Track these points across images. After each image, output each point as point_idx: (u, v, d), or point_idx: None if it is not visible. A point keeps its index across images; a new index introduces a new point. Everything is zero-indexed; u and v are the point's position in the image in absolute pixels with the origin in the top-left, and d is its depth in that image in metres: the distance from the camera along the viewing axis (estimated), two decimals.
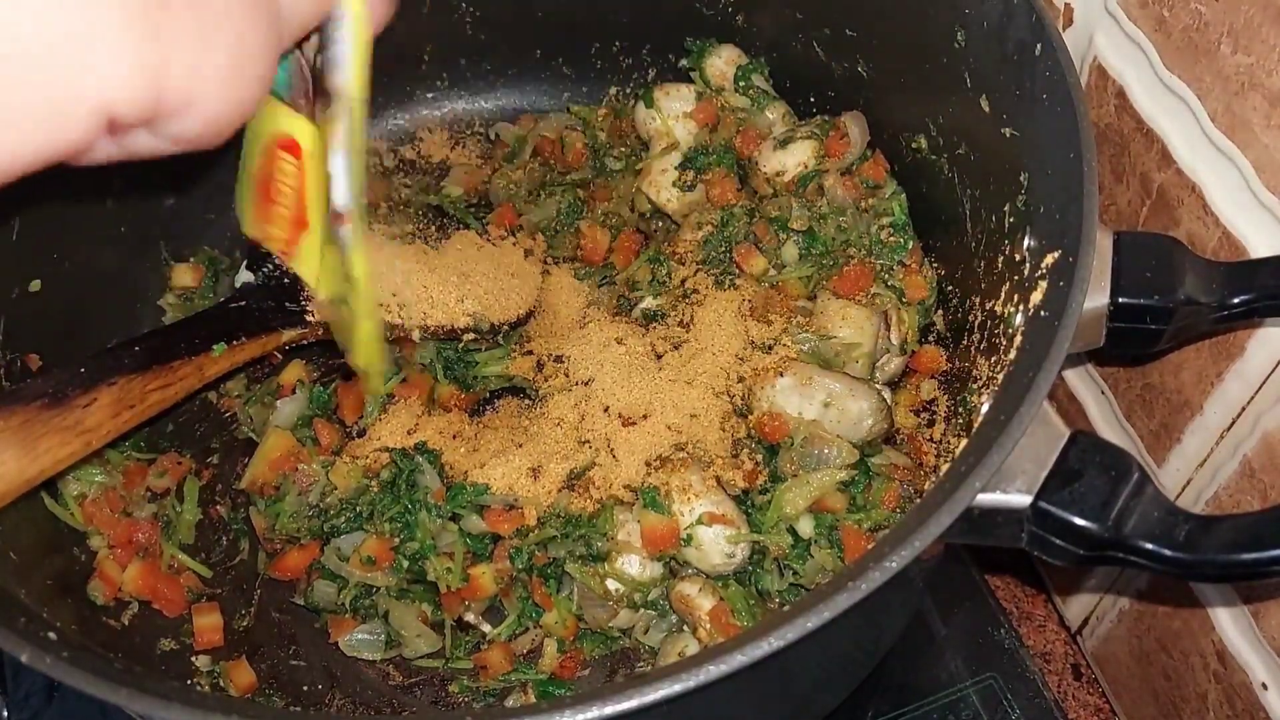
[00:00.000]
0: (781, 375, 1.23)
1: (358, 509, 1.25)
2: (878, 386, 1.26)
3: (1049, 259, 0.98)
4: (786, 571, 1.19)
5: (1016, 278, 1.06)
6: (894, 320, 1.32)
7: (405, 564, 1.23)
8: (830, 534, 1.17)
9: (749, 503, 1.21)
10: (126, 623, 1.23)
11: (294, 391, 1.38)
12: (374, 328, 0.94)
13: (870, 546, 1.11)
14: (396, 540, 1.23)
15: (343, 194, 0.85)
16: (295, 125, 0.89)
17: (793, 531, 1.18)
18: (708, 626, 1.15)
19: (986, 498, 0.88)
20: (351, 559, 1.24)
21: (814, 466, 1.19)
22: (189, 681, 1.22)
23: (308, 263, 0.98)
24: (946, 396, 1.29)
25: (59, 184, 1.30)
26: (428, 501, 1.24)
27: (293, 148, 0.90)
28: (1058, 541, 0.90)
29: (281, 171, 0.93)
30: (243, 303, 1.33)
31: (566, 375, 1.37)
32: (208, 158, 1.56)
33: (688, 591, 1.17)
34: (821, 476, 1.18)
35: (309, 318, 1.34)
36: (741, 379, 1.29)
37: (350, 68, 0.74)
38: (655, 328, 1.40)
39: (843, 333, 1.28)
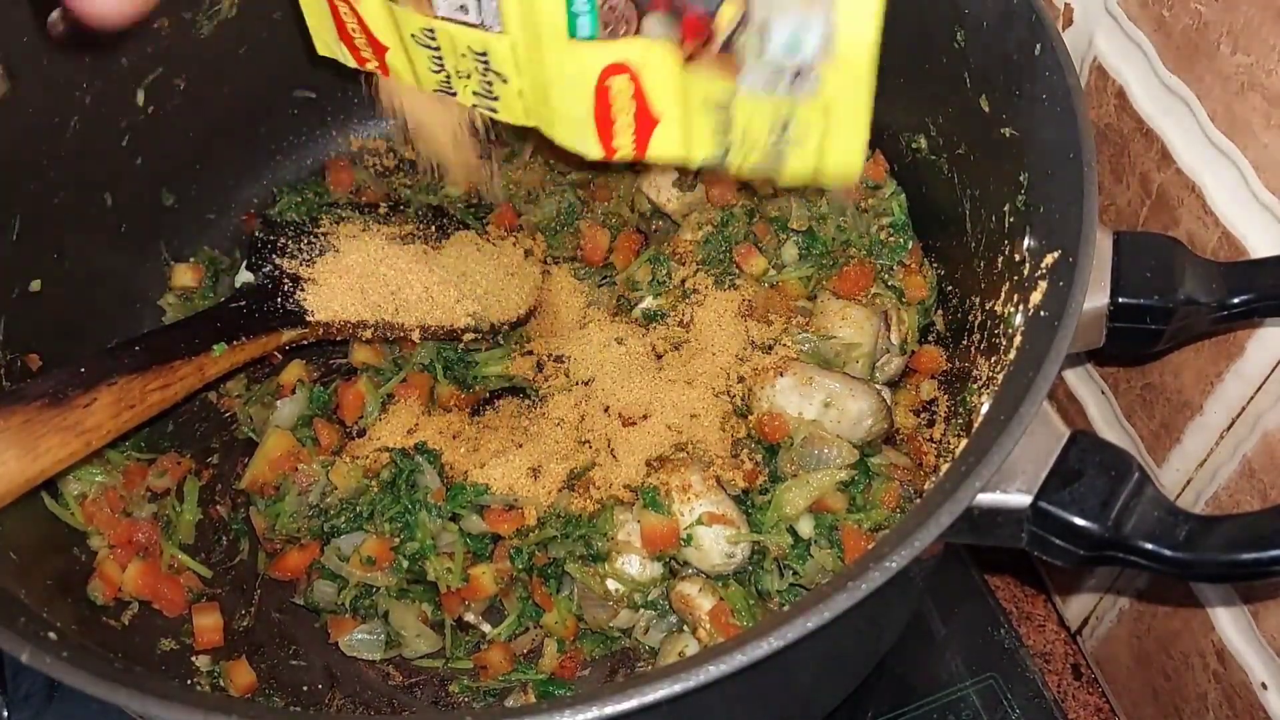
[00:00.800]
0: (781, 375, 1.23)
1: (358, 509, 1.25)
2: (878, 387, 1.26)
3: (1049, 259, 0.98)
4: (786, 572, 1.19)
5: (1016, 278, 1.06)
6: (894, 320, 1.32)
7: (405, 564, 1.23)
8: (830, 534, 1.17)
9: (749, 503, 1.21)
10: (126, 623, 1.23)
11: (294, 391, 1.38)
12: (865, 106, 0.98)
13: (870, 546, 1.11)
14: (396, 540, 1.23)
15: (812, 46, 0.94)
16: (617, 51, 1.00)
17: (793, 531, 1.18)
18: (708, 626, 1.15)
19: (986, 498, 0.88)
20: (351, 559, 1.24)
21: (814, 466, 1.19)
22: (189, 681, 1.22)
23: (669, 146, 1.07)
24: (946, 396, 1.30)
25: (59, 180, 1.31)
26: (428, 501, 1.24)
27: (619, 69, 1.01)
28: (1058, 541, 0.90)
29: (615, 92, 1.03)
30: (243, 303, 1.33)
31: (566, 375, 1.37)
32: (207, 155, 1.56)
33: (688, 591, 1.17)
34: (821, 476, 1.18)
35: (309, 318, 1.34)
36: (741, 379, 1.29)
37: None
38: (655, 328, 1.40)
39: (843, 333, 1.28)
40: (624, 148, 1.09)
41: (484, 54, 1.06)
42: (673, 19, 0.97)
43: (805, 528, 1.18)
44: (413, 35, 1.08)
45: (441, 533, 1.23)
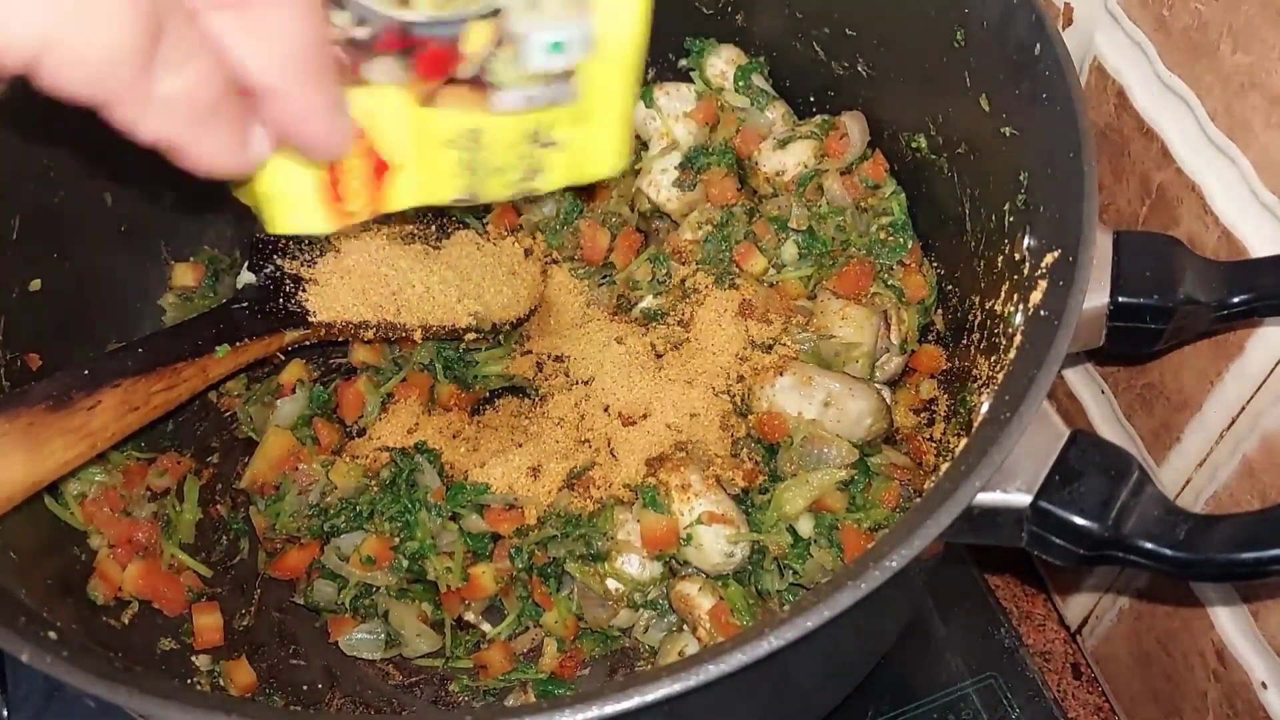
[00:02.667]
0: (781, 375, 1.23)
1: (358, 508, 1.25)
2: (877, 386, 1.26)
3: (1049, 258, 0.98)
4: (787, 571, 1.19)
5: (1016, 277, 1.06)
6: (894, 320, 1.32)
7: (405, 563, 1.23)
8: (830, 534, 1.17)
9: (749, 502, 1.21)
10: (126, 622, 1.23)
11: (294, 391, 1.38)
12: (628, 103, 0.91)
13: (870, 546, 1.11)
14: (396, 540, 1.23)
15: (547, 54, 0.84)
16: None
17: (792, 531, 1.18)
18: (707, 626, 1.15)
19: (986, 497, 0.88)
20: (351, 558, 1.24)
21: (814, 466, 1.19)
22: (189, 681, 1.22)
23: (408, 195, 0.94)
24: (946, 396, 1.29)
25: (59, 180, 1.31)
26: (428, 501, 1.24)
27: None
28: (1057, 541, 0.90)
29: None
30: (245, 304, 1.33)
31: (566, 375, 1.37)
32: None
33: (687, 591, 1.17)
34: (821, 476, 1.18)
35: (311, 319, 1.34)
36: (741, 378, 1.29)
37: None
38: (655, 327, 1.40)
39: (842, 332, 1.28)
40: (359, 209, 0.94)
41: (540, 129, 0.93)
42: (405, 60, 0.83)
43: (805, 527, 1.18)
44: (449, 141, 0.93)
45: (441, 532, 1.23)
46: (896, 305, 1.33)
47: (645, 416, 1.29)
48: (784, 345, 1.29)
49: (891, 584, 0.79)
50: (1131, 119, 1.14)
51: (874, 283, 1.34)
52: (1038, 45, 1.05)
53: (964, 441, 0.91)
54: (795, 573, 1.18)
